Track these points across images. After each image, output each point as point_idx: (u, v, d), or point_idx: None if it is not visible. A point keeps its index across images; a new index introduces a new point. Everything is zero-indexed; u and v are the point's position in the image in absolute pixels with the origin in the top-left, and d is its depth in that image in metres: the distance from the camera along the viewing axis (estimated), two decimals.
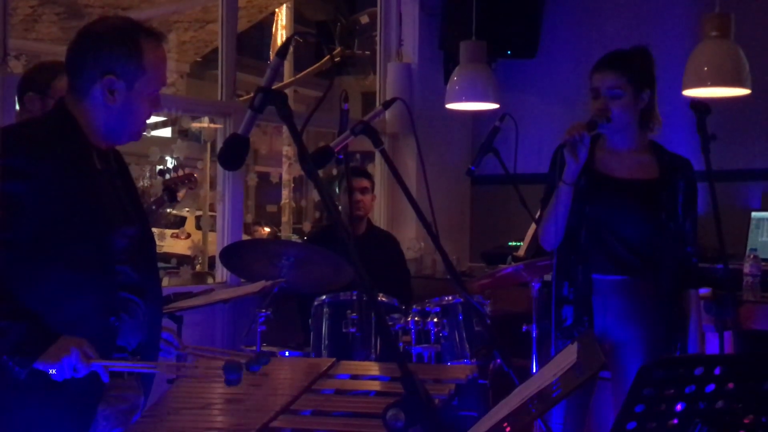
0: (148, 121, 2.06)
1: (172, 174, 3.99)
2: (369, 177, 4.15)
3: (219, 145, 3.90)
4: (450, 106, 4.39)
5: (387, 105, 2.57)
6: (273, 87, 1.70)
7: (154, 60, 1.95)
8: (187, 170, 3.75)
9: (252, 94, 1.68)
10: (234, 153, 1.72)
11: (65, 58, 1.98)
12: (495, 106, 4.28)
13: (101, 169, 1.97)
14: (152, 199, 3.48)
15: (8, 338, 1.75)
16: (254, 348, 3.25)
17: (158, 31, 2.00)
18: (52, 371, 1.77)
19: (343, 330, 3.29)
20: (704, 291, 3.25)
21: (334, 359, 2.16)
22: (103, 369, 1.80)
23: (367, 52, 7.51)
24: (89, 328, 1.84)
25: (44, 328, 1.78)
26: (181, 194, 3.44)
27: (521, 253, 4.31)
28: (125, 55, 1.91)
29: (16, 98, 2.82)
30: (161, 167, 3.34)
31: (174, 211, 9.78)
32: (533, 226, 4.14)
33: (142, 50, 1.93)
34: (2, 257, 1.78)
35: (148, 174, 5.29)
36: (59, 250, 1.84)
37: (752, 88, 3.58)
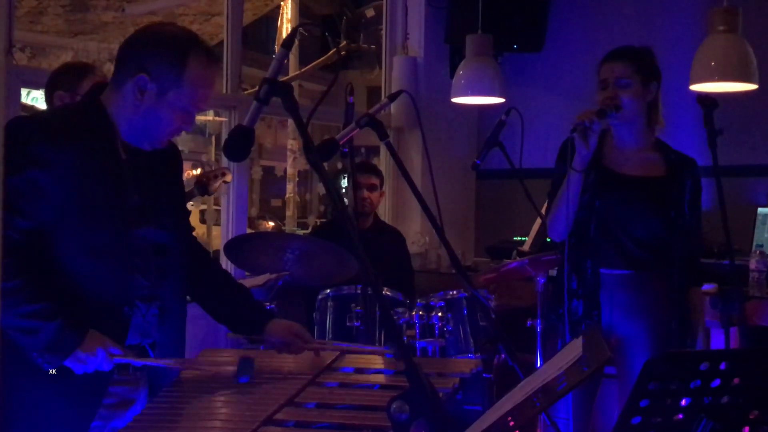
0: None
1: (206, 168, 4.10)
2: (378, 174, 4.05)
3: (224, 138, 3.92)
4: (456, 100, 4.37)
5: (393, 97, 2.56)
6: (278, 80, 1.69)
7: (196, 78, 1.91)
8: (221, 166, 3.87)
9: (257, 87, 1.68)
10: (239, 144, 1.72)
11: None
12: (501, 100, 4.27)
13: (126, 159, 1.95)
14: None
15: (39, 338, 1.81)
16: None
17: (214, 56, 1.97)
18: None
19: (347, 323, 3.28)
20: (710, 287, 3.24)
21: (338, 352, 2.16)
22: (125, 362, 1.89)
23: (373, 46, 7.50)
24: (102, 316, 1.88)
25: (73, 327, 1.83)
26: (214, 187, 3.54)
27: (526, 247, 4.30)
28: (166, 61, 1.89)
29: (44, 96, 2.94)
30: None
31: None
32: (538, 220, 4.14)
33: (186, 63, 1.90)
34: (23, 244, 1.81)
35: None
36: (77, 237, 1.86)
37: (759, 83, 3.56)
